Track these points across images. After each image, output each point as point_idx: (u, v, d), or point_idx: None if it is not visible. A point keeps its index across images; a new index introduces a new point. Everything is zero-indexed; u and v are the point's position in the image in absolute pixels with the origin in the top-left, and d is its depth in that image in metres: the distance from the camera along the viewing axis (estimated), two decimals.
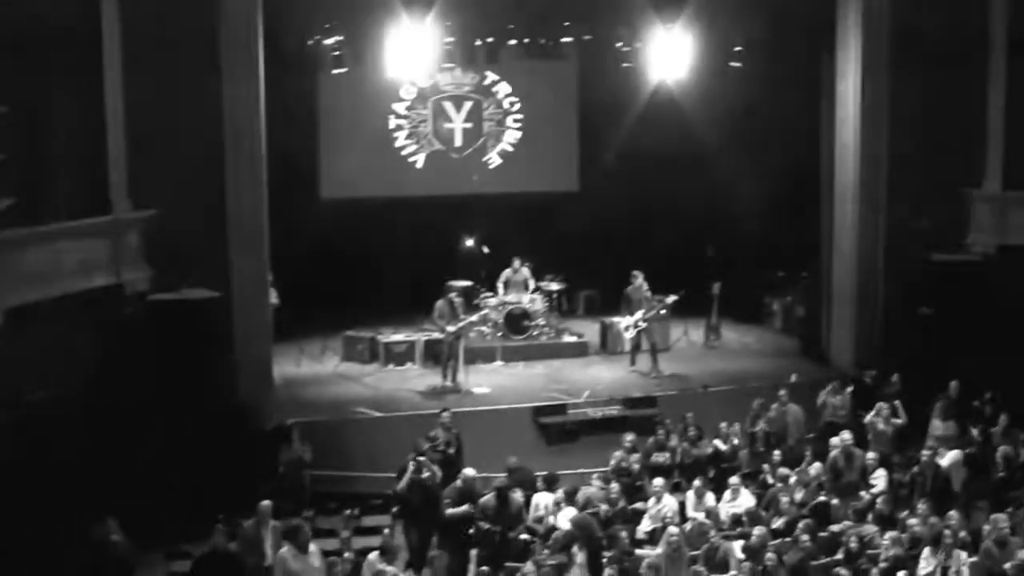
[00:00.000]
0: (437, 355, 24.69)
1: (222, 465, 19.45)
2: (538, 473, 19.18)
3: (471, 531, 17.58)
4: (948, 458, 19.96)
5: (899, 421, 21.25)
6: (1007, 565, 15.72)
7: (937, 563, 15.63)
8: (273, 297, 22.62)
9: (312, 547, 15.29)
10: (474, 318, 25.26)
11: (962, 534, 16.79)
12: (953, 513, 17.26)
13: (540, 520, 18.09)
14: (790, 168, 27.60)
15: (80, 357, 18.64)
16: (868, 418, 21.31)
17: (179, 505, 18.56)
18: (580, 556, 16.46)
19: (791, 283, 29.27)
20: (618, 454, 20.17)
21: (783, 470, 19.74)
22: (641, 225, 29.16)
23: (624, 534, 17.04)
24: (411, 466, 18.19)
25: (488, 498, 17.65)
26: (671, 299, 25.43)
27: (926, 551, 16.00)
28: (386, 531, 17.93)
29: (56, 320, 18.10)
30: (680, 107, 27.58)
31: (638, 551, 17.16)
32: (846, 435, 19.97)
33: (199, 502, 18.51)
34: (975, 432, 21.34)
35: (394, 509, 18.94)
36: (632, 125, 28.85)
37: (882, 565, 16.58)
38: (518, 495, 18.10)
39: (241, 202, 21.37)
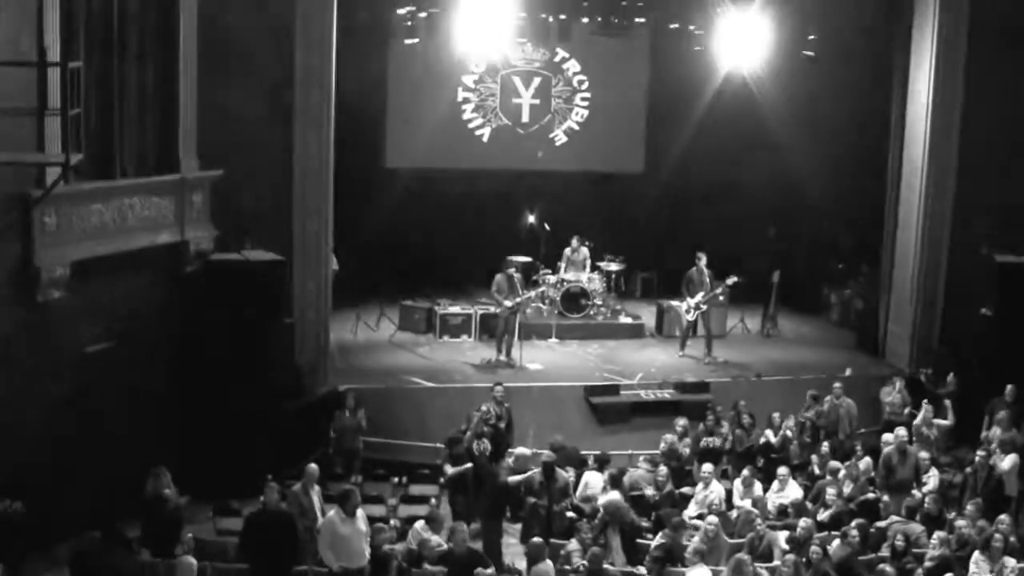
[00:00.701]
0: (492, 329, 24.81)
1: (274, 426, 19.66)
2: (586, 452, 19.25)
3: (517, 505, 17.73)
4: (1005, 462, 19.81)
5: (946, 423, 21.17)
6: None
7: (990, 568, 15.48)
8: (333, 263, 22.72)
9: (359, 512, 15.38)
10: (532, 294, 25.33)
11: (1012, 539, 16.73)
12: (1004, 517, 17.16)
13: (588, 499, 18.14)
14: (859, 159, 27.46)
15: (141, 313, 18.82)
16: (915, 421, 21.19)
17: (229, 463, 18.76)
18: (615, 540, 16.50)
19: (851, 276, 29.12)
20: (668, 438, 20.22)
21: (833, 463, 19.70)
22: (704, 210, 29.04)
23: (676, 518, 17.03)
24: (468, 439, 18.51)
25: (535, 473, 17.74)
26: (731, 280, 25.35)
27: (976, 555, 15.88)
28: (433, 500, 18.07)
29: (120, 275, 18.28)
30: (750, 92, 27.50)
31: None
32: (901, 431, 19.89)
33: (249, 461, 18.72)
34: None
35: (442, 479, 19.07)
36: (702, 109, 28.76)
37: (927, 564, 16.53)
38: (565, 472, 18.19)
39: (307, 167, 21.49)
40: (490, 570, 15.13)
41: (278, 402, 20.12)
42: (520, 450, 18.50)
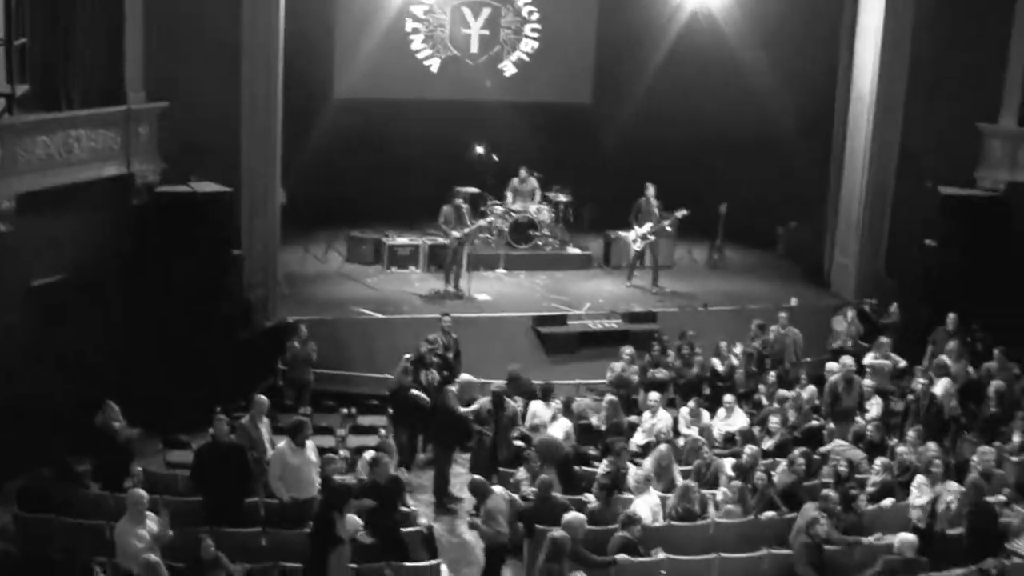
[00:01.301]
0: (440, 260, 24.87)
1: (223, 358, 19.67)
2: (536, 382, 19.37)
3: (465, 434, 17.88)
4: (941, 388, 20.14)
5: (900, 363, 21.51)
6: (991, 498, 15.96)
7: (931, 493, 15.78)
8: (281, 195, 22.64)
9: (309, 443, 15.45)
10: (480, 225, 25.34)
11: (951, 462, 17.08)
12: (931, 445, 17.50)
13: (536, 428, 18.28)
14: (809, 92, 27.56)
15: (89, 246, 18.75)
16: (868, 359, 21.43)
17: (179, 396, 18.79)
18: (551, 475, 16.65)
19: (797, 207, 29.27)
20: (616, 367, 20.40)
21: (779, 392, 19.96)
22: (651, 142, 29.01)
23: (625, 448, 17.21)
24: (406, 368, 18.57)
25: (483, 402, 17.87)
26: (680, 214, 25.43)
27: (919, 479, 16.17)
28: (382, 431, 18.18)
29: (67, 208, 18.18)
30: (701, 23, 27.55)
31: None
32: (847, 360, 20.15)
33: (198, 394, 18.74)
34: (968, 365, 21.55)
35: (389, 410, 19.18)
36: (650, 40, 28.78)
37: (870, 490, 16.84)
38: (514, 401, 18.33)
39: (255, 98, 21.33)
40: (409, 506, 15.32)
41: (227, 334, 20.12)
42: (465, 376, 18.61)
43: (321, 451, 16.39)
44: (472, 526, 15.02)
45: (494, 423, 17.61)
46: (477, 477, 15.62)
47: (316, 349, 20.23)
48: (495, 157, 27.30)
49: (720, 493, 16.41)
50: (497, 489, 15.17)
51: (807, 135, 27.65)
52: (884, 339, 21.70)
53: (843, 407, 19.58)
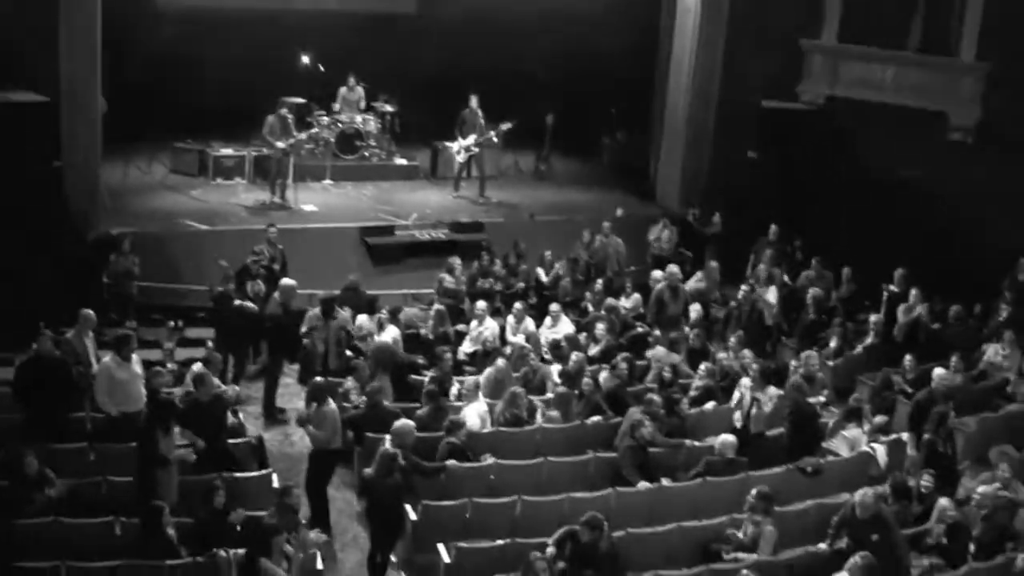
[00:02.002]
0: (266, 171, 24.53)
1: (45, 272, 19.24)
2: (369, 293, 19.44)
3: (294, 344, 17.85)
4: (769, 294, 20.70)
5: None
6: (812, 400, 16.51)
7: (748, 396, 16.24)
8: (102, 105, 22.06)
9: (134, 356, 15.26)
10: (305, 135, 25.08)
11: (770, 367, 17.60)
12: (746, 352, 18.02)
13: (364, 339, 18.33)
14: (636, 4, 27.75)
15: None
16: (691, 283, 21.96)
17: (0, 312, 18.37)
18: (385, 381, 16.77)
19: (623, 119, 29.57)
20: (443, 277, 20.50)
21: (606, 300, 20.28)
22: (476, 52, 28.85)
23: (448, 355, 17.38)
24: (228, 276, 18.47)
25: (312, 313, 17.82)
26: (505, 127, 25.50)
27: (743, 382, 16.62)
28: (209, 343, 18.02)
29: None
30: None
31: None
32: (673, 269, 20.55)
33: (21, 310, 18.31)
34: (787, 274, 22.18)
35: (215, 322, 19.02)
36: None
37: (692, 394, 17.31)
38: (343, 311, 18.32)
39: (72, 6, 20.68)
40: (237, 419, 15.32)
41: (49, 248, 19.65)
42: (286, 281, 18.49)
43: (149, 364, 16.24)
44: (301, 422, 15.02)
45: (324, 333, 17.58)
46: (319, 379, 15.55)
47: (138, 262, 19.88)
48: (321, 67, 26.93)
49: (548, 399, 16.69)
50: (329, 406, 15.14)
51: (633, 47, 27.87)
52: (713, 263, 22.19)
53: (668, 315, 20.01)
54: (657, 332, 19.68)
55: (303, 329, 17.72)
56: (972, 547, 13.54)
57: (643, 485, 14.62)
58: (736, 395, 16.60)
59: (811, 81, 25.70)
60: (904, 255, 21.52)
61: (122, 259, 19.72)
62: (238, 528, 12.59)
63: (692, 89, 25.99)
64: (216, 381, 15.62)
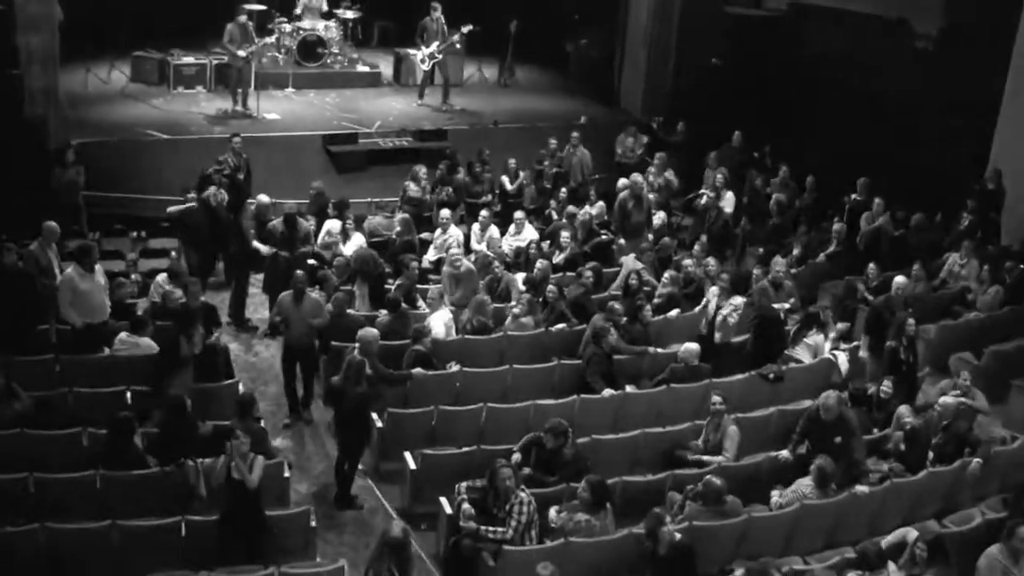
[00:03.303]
0: (227, 79, 24.28)
1: (4, 184, 19.03)
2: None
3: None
4: (727, 202, 20.77)
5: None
6: (778, 306, 16.64)
7: (713, 301, 16.35)
8: (59, 12, 21.70)
9: (98, 267, 15.19)
10: (267, 42, 24.82)
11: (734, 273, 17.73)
12: (711, 260, 18.11)
13: (329, 247, 18.31)
14: None
15: None
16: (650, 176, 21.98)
17: None
18: (363, 288, 16.82)
19: (587, 26, 29.43)
20: (407, 185, 20.45)
21: (569, 208, 20.31)
22: None
23: (415, 263, 17.40)
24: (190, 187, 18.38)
25: (276, 223, 17.77)
26: (466, 29, 25.26)
27: (711, 290, 16.73)
28: (173, 253, 17.97)
29: None
30: None
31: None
32: (637, 177, 20.55)
33: None
34: (758, 180, 22.27)
35: (179, 232, 18.95)
36: None
37: (656, 301, 17.39)
38: (306, 221, 18.28)
39: None
40: (218, 332, 15.35)
41: (8, 158, 19.42)
42: (261, 198, 18.46)
43: (113, 275, 16.19)
44: (273, 328, 15.10)
45: (288, 243, 17.54)
46: (286, 294, 15.56)
47: (83, 172, 19.52)
48: None
49: (513, 306, 16.76)
50: None
51: None
52: (661, 154, 22.22)
53: (633, 223, 20.04)
54: (622, 241, 19.72)
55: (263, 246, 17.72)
56: (931, 454, 13.75)
57: (607, 392, 14.73)
58: (704, 303, 16.70)
59: None
60: (868, 162, 21.59)
61: (66, 170, 19.35)
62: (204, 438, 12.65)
63: None
64: (180, 292, 15.61)
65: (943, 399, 14.35)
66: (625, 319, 15.94)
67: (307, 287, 15.32)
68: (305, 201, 19.60)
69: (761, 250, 20.19)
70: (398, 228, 19.15)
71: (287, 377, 15.40)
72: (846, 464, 13.17)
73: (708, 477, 12.23)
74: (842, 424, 13.42)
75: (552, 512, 11.88)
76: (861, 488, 12.86)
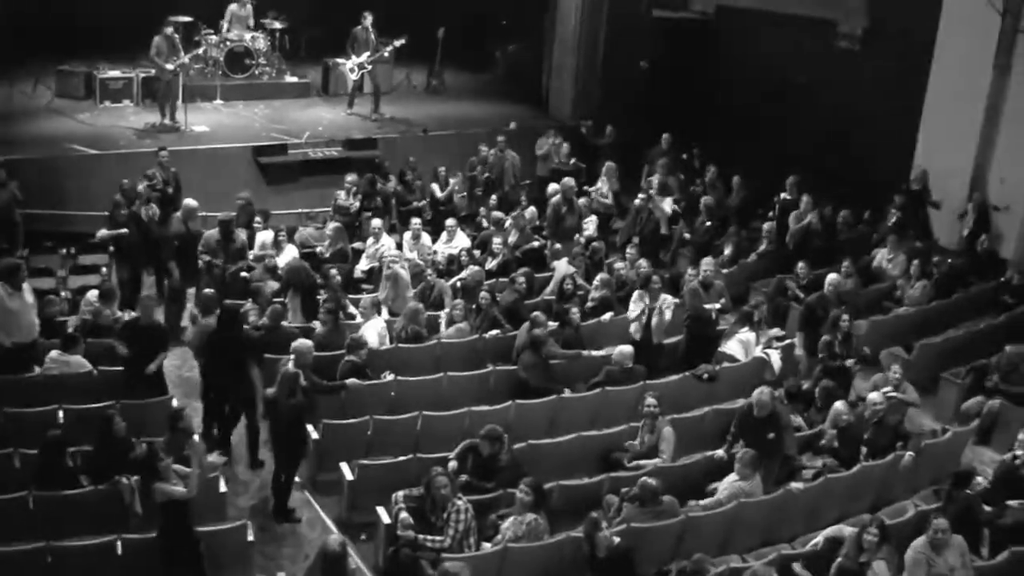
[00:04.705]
0: (155, 92, 24.08)
1: None
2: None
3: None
4: (665, 204, 20.89)
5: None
6: (708, 306, 16.74)
7: (645, 305, 16.42)
8: None
9: (25, 285, 14.98)
10: (194, 55, 24.65)
11: (666, 276, 17.84)
12: (642, 262, 18.19)
13: (262, 259, 18.23)
14: None
15: None
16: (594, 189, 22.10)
17: None
18: (295, 300, 16.76)
19: (515, 31, 29.48)
20: (337, 194, 20.42)
21: (498, 213, 20.37)
22: None
23: (336, 275, 17.37)
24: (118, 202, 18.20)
25: (211, 233, 17.66)
26: (399, 43, 25.26)
27: (636, 294, 16.80)
28: (103, 270, 17.82)
29: None
30: None
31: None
32: (569, 181, 20.62)
33: None
34: (683, 182, 22.40)
35: (110, 248, 18.79)
36: None
37: (590, 304, 17.46)
38: (242, 232, 18.18)
39: None
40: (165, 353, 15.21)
41: None
42: (188, 201, 18.31)
43: (43, 293, 16.02)
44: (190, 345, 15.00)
45: (223, 254, 17.45)
46: (207, 291, 15.45)
47: (19, 188, 19.35)
48: None
49: (444, 314, 16.76)
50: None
51: None
52: (611, 164, 22.31)
53: (565, 227, 20.11)
54: (558, 245, 19.77)
55: (200, 250, 17.55)
56: (864, 448, 13.90)
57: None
58: (632, 306, 16.78)
59: None
60: (797, 162, 21.79)
61: (5, 188, 19.13)
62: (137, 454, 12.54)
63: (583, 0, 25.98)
64: (111, 310, 15.50)
65: (873, 394, 14.51)
66: (552, 324, 15.94)
67: (216, 304, 15.09)
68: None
69: (692, 251, 20.30)
70: (329, 238, 19.11)
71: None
72: (780, 460, 13.33)
73: (643, 478, 12.31)
74: (774, 420, 13.58)
75: (502, 524, 11.87)
76: (796, 485, 13.01)
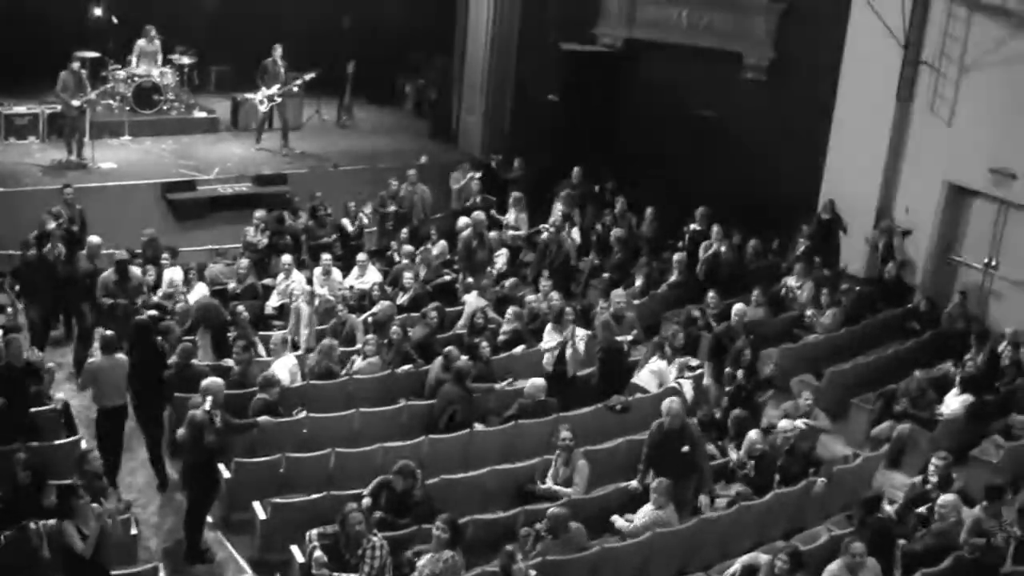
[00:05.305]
0: (61, 129, 23.77)
1: None
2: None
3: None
4: (567, 238, 20.96)
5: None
6: (620, 338, 16.80)
7: (558, 336, 16.47)
8: None
9: None
10: (101, 91, 24.39)
11: (578, 308, 17.89)
12: (554, 294, 18.25)
13: (171, 296, 18.05)
14: None
15: None
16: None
17: None
18: (206, 338, 16.60)
19: (425, 65, 29.54)
20: (247, 230, 20.30)
21: (409, 248, 20.34)
22: (277, 1, 28.36)
23: (244, 312, 17.24)
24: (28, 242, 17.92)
25: (106, 275, 17.41)
26: (308, 76, 25.21)
27: (549, 326, 16.85)
28: (9, 310, 17.56)
29: None
30: None
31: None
32: (479, 215, 20.65)
33: None
34: (593, 214, 22.53)
35: (16, 287, 18.53)
36: None
37: (502, 338, 17.48)
38: (136, 269, 17.95)
39: None
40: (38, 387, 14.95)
41: None
42: (92, 238, 18.11)
43: None
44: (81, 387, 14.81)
45: (122, 293, 17.22)
46: (108, 332, 15.22)
47: None
48: (115, 19, 26.12)
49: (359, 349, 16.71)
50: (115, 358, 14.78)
51: None
52: (517, 194, 22.39)
53: (477, 260, 20.13)
54: (471, 280, 19.76)
55: (100, 293, 17.32)
56: (777, 476, 14.02)
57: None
58: (545, 338, 16.80)
59: (608, 23, 25.98)
60: (706, 193, 21.99)
61: None
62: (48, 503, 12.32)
63: (491, 34, 26.08)
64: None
65: (783, 422, 14.64)
66: (462, 358, 15.91)
67: (117, 344, 14.85)
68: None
69: (604, 283, 20.40)
70: (241, 272, 18.98)
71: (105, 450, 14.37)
72: (696, 480, 13.46)
73: (550, 509, 12.32)
74: (687, 432, 13.70)
75: (418, 562, 11.79)
76: (710, 514, 13.09)
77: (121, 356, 14.57)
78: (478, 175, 23.65)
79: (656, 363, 16.50)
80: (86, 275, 17.62)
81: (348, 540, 11.71)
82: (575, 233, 21.31)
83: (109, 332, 14.98)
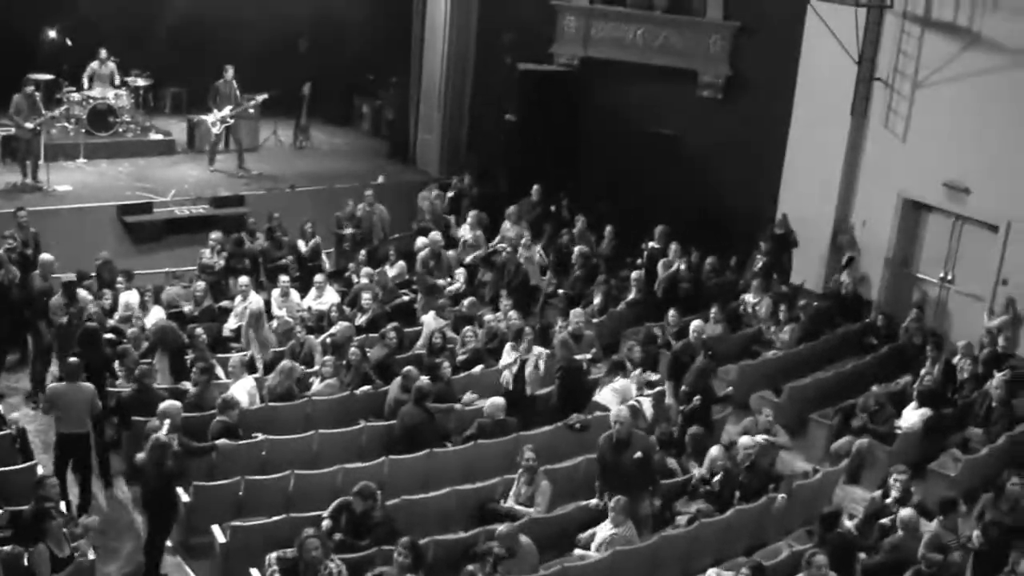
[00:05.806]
0: (15, 151, 23.62)
1: None
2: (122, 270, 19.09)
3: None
4: (532, 252, 21.00)
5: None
6: (579, 357, 16.81)
7: (517, 355, 16.48)
8: None
9: None
10: (55, 113, 24.24)
11: (536, 327, 17.91)
12: (513, 313, 18.27)
13: (128, 320, 17.93)
14: None
15: None
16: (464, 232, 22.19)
17: None
18: (164, 361, 16.51)
19: (381, 86, 29.52)
20: (203, 252, 20.20)
21: (368, 269, 20.30)
22: (233, 25, 28.15)
23: (202, 334, 17.14)
24: None
25: (56, 299, 17.15)
26: (261, 97, 25.18)
27: (507, 346, 16.85)
28: None
29: None
30: None
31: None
32: (436, 236, 20.69)
33: None
34: (555, 233, 22.56)
35: None
36: None
37: (461, 358, 17.44)
38: (84, 292, 17.75)
39: None
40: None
41: None
42: (44, 256, 17.98)
43: None
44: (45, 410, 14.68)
45: (74, 317, 17.04)
46: (72, 360, 15.07)
47: None
48: (69, 41, 26.01)
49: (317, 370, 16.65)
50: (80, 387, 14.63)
51: (389, 12, 27.78)
52: (478, 212, 22.41)
53: (434, 280, 20.10)
54: (428, 298, 19.73)
55: (52, 317, 17.15)
56: (737, 492, 14.04)
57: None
58: (504, 358, 16.80)
59: (564, 42, 26.02)
60: (664, 210, 22.07)
61: None
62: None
63: (447, 54, 26.14)
64: None
65: (743, 438, 14.68)
66: (427, 378, 15.86)
67: (81, 371, 14.72)
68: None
69: (564, 301, 20.42)
70: (198, 295, 18.88)
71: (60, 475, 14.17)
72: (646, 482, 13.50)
73: (499, 529, 12.30)
74: (637, 439, 13.74)
75: None
76: (670, 531, 13.11)
77: (87, 385, 14.41)
78: (450, 194, 23.71)
79: (619, 382, 16.50)
80: (42, 293, 17.46)
81: (306, 567, 11.63)
82: (537, 252, 21.33)
83: (73, 359, 14.82)
